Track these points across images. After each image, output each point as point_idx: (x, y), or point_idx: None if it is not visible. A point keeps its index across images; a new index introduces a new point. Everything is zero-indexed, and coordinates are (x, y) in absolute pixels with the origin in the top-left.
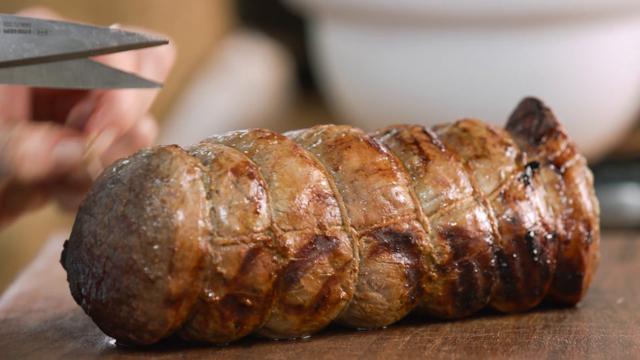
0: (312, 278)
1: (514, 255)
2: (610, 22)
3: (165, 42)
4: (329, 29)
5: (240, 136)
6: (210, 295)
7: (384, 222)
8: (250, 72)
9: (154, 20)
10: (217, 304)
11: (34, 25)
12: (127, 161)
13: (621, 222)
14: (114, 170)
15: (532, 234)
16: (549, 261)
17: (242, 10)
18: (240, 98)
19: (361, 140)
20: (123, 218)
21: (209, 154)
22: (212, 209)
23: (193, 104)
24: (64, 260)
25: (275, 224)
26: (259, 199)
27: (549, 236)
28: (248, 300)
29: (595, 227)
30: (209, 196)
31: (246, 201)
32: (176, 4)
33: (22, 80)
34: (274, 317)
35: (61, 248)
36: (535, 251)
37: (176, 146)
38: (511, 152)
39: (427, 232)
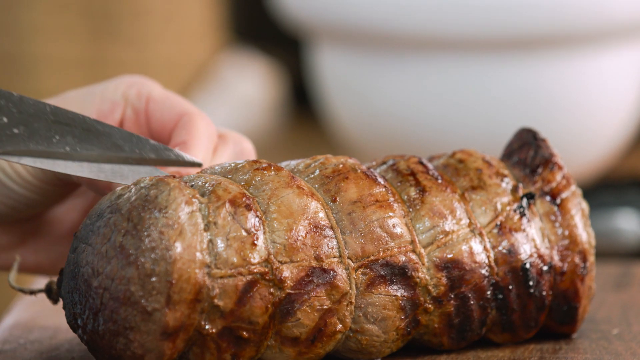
0: (309, 310)
1: (510, 287)
2: (603, 46)
3: (199, 165)
4: (324, 50)
5: (238, 167)
6: (207, 327)
7: (381, 254)
8: (245, 87)
9: (149, 25)
10: (214, 336)
11: (79, 122)
12: (126, 191)
13: (616, 248)
14: (113, 199)
15: (527, 266)
16: (544, 293)
17: (237, 26)
18: (235, 113)
19: (359, 171)
20: (121, 249)
21: (207, 185)
22: (210, 240)
23: None
24: (59, 288)
25: (272, 256)
26: (257, 230)
27: (545, 267)
28: (244, 333)
29: (591, 259)
30: (206, 228)
31: (244, 233)
32: (172, 10)
33: (64, 169)
34: (270, 349)
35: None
36: (531, 283)
37: (174, 177)
38: (507, 183)
39: (423, 264)
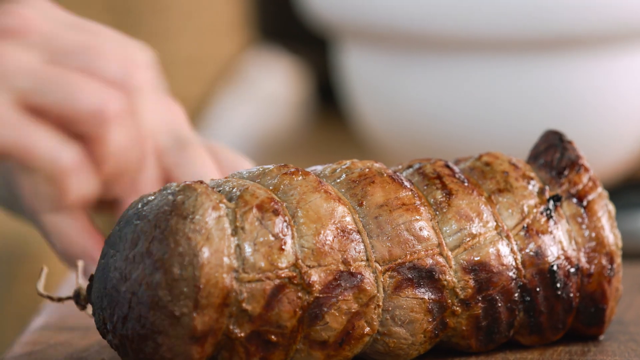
0: (337, 314)
1: (537, 289)
2: (629, 46)
3: None
4: (351, 50)
5: (265, 171)
6: (235, 331)
7: (408, 257)
8: (271, 86)
9: (170, 21)
10: (242, 340)
11: None
12: (153, 197)
13: None
14: (140, 206)
15: (555, 268)
16: (572, 294)
17: (263, 25)
18: (260, 112)
19: (385, 175)
20: (148, 255)
21: (234, 190)
22: (237, 245)
23: (215, 117)
24: (89, 294)
25: (300, 261)
26: (284, 235)
27: (572, 269)
28: (273, 337)
29: (618, 260)
30: (234, 233)
31: (271, 238)
32: (193, 6)
33: None
34: (299, 353)
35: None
36: (558, 285)
37: (201, 182)
38: (533, 186)
39: (450, 267)
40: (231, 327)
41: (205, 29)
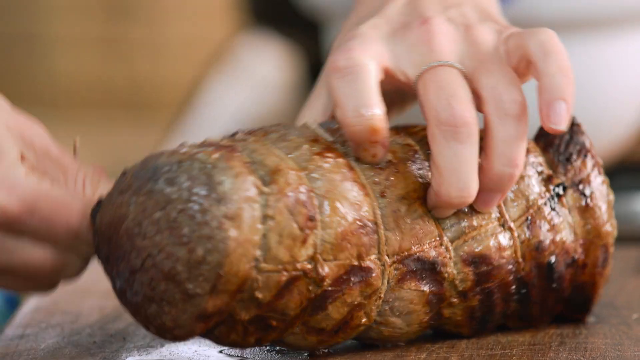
0: (339, 305)
1: (534, 281)
2: (624, 29)
3: None
4: None
5: (298, 146)
6: (241, 313)
7: (414, 249)
8: (263, 70)
9: (164, 5)
10: (244, 322)
11: None
12: (187, 159)
13: (635, 232)
14: (174, 162)
15: (553, 261)
16: (565, 286)
17: (255, 8)
18: (253, 96)
19: (407, 164)
20: (175, 225)
21: (267, 167)
22: (264, 235)
23: (207, 100)
24: (94, 216)
25: (318, 254)
26: (310, 229)
27: (568, 261)
28: (274, 322)
29: (611, 249)
30: (263, 221)
31: (297, 232)
32: None
33: None
34: (293, 335)
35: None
36: (554, 277)
37: (237, 154)
38: (540, 174)
39: (451, 259)
40: (238, 309)
41: (198, 13)
